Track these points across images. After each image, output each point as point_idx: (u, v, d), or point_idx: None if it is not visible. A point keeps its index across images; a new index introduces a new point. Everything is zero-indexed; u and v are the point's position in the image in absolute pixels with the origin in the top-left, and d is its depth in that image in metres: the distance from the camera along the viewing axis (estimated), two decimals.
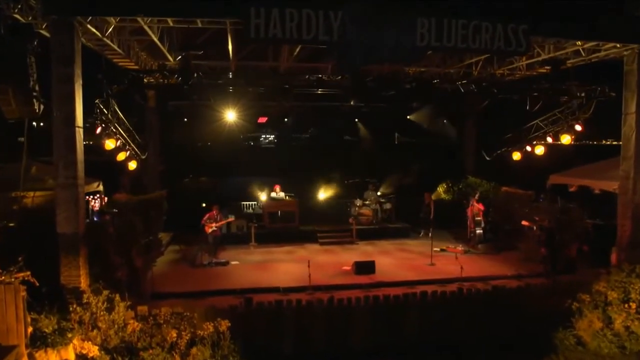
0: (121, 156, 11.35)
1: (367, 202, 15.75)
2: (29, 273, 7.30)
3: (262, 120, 16.38)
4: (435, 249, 13.15)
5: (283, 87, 10.18)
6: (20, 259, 7.33)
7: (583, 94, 10.15)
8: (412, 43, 8.58)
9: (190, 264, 11.78)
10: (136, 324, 7.83)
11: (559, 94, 9.99)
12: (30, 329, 7.02)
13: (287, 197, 15.02)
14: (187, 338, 7.89)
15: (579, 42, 10.13)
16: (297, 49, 11.60)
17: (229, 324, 7.95)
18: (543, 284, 9.95)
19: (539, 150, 13.58)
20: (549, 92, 9.97)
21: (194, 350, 7.78)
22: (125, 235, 9.48)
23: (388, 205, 15.98)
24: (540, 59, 11.40)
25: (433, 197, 16.32)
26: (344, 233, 14.64)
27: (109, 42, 9.62)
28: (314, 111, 16.74)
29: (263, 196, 16.14)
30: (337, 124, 19.84)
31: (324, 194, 16.72)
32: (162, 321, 8.02)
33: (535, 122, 13.29)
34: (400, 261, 12.08)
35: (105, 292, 7.88)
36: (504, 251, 12.74)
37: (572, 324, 9.35)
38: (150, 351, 7.56)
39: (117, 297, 7.93)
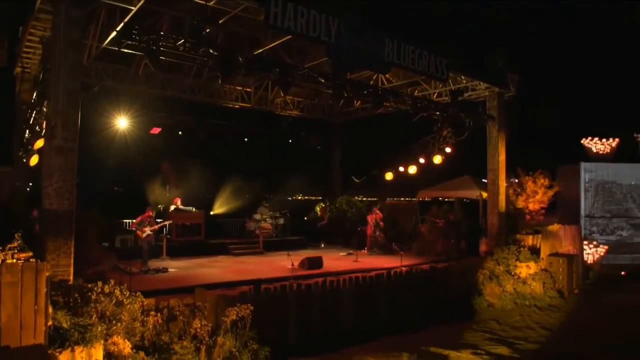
0: (39, 143, 9.12)
1: (264, 217, 16.11)
2: (31, 254, 5.75)
3: (155, 131, 15.04)
4: (341, 253, 14.60)
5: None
6: (16, 235, 5.75)
7: (469, 119, 13.51)
8: (383, 56, 10.27)
9: (124, 273, 9.99)
10: (158, 316, 6.70)
11: (457, 118, 13.09)
12: (50, 323, 5.45)
13: (193, 209, 14.15)
14: (208, 328, 7.15)
15: (464, 80, 13.59)
16: None
17: (252, 308, 7.54)
18: (456, 265, 12.37)
19: (412, 169, 16.66)
20: (451, 116, 12.95)
21: (219, 339, 7.11)
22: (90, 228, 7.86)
23: (281, 221, 16.65)
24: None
25: (311, 216, 17.95)
26: (253, 245, 14.62)
27: None
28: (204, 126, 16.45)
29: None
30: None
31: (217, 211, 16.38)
32: (177, 313, 7.06)
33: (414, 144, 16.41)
34: (328, 261, 12.88)
35: (112, 281, 6.54)
36: (399, 251, 14.89)
37: (481, 292, 12.01)
38: (184, 343, 6.61)
39: (125, 287, 6.66)
